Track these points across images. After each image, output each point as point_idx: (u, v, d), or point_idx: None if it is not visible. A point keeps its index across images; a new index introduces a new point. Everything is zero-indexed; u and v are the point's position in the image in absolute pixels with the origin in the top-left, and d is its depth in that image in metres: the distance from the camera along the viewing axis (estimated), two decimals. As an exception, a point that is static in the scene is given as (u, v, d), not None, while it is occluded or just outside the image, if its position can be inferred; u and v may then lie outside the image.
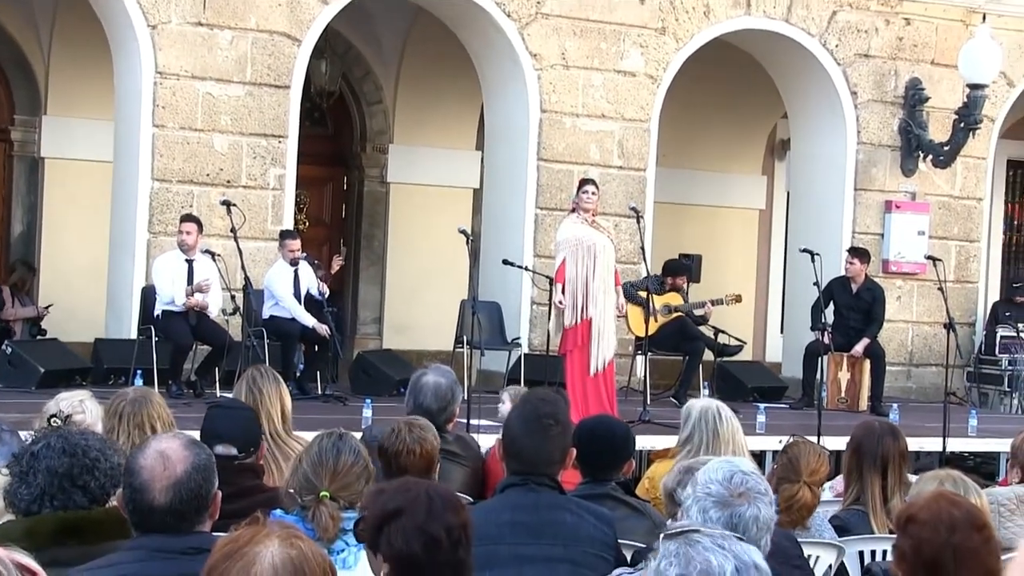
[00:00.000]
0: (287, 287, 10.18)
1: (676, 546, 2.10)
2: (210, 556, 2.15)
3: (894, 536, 4.18)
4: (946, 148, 12.78)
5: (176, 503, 2.75)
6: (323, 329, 10.03)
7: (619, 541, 3.70)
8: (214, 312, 9.83)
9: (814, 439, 7.85)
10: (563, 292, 9.07)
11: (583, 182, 9.44)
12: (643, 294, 10.28)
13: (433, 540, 2.64)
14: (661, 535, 2.14)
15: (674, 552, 2.09)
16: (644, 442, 8.13)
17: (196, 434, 3.98)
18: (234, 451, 3.91)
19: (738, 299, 11.63)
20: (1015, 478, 4.84)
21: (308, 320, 10.04)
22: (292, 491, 3.50)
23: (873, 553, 4.47)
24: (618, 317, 9.45)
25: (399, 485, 2.92)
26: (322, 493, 3.38)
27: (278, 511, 3.52)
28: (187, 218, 9.92)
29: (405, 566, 2.68)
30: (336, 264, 11.96)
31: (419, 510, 2.69)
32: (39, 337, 11.65)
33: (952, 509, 2.93)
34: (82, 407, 4.22)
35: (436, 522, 2.65)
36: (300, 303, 10.33)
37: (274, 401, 4.77)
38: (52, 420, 3.78)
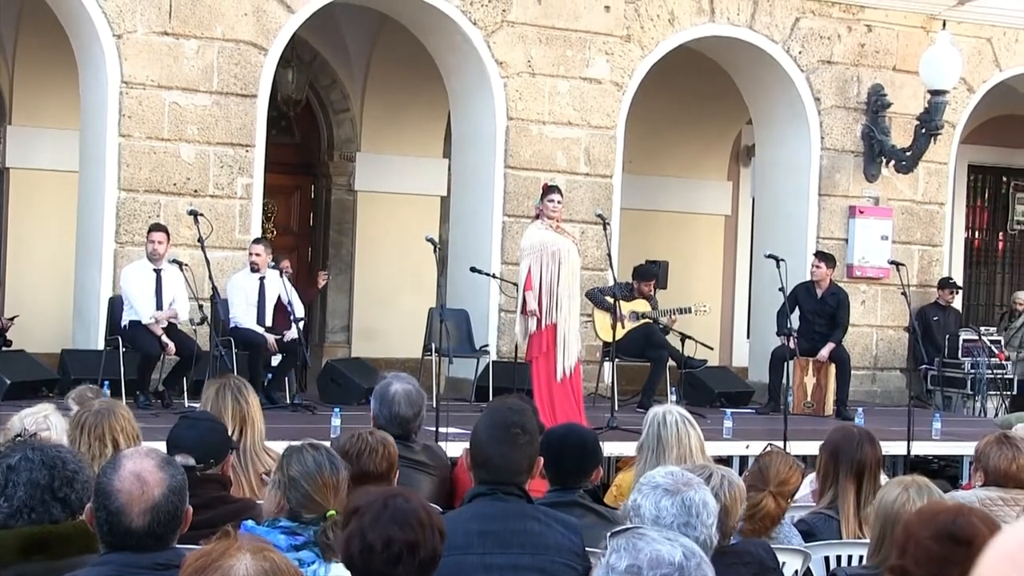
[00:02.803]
0: (244, 297, 10.20)
1: (624, 540, 2.15)
2: (181, 571, 2.17)
3: (862, 542, 4.24)
4: (908, 153, 12.91)
5: (154, 526, 2.75)
6: (271, 341, 10.05)
7: (587, 549, 3.73)
8: (183, 319, 9.83)
9: (780, 443, 7.93)
10: (536, 300, 9.11)
11: (549, 189, 9.45)
12: (611, 300, 10.33)
13: (368, 547, 2.64)
14: (608, 534, 2.18)
15: (623, 545, 2.13)
16: (612, 449, 8.18)
17: (163, 445, 4.00)
18: (191, 461, 3.92)
19: (707, 310, 11.71)
20: (978, 481, 4.91)
21: (258, 330, 10.09)
22: (290, 507, 3.47)
23: (839, 558, 4.52)
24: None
25: (375, 490, 2.94)
26: (329, 513, 3.37)
27: (249, 522, 3.53)
28: (157, 228, 9.91)
29: (347, 565, 2.72)
30: (321, 280, 12.02)
31: (368, 515, 2.70)
32: (5, 348, 11.56)
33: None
34: (47, 423, 4.21)
35: (376, 531, 2.66)
36: (265, 311, 10.34)
37: (256, 413, 4.81)
38: (18, 439, 3.78)
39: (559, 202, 9.29)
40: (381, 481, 4.09)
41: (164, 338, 9.61)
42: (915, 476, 4.14)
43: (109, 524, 2.76)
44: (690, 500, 2.96)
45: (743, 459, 8.78)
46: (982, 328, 13.34)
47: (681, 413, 4.89)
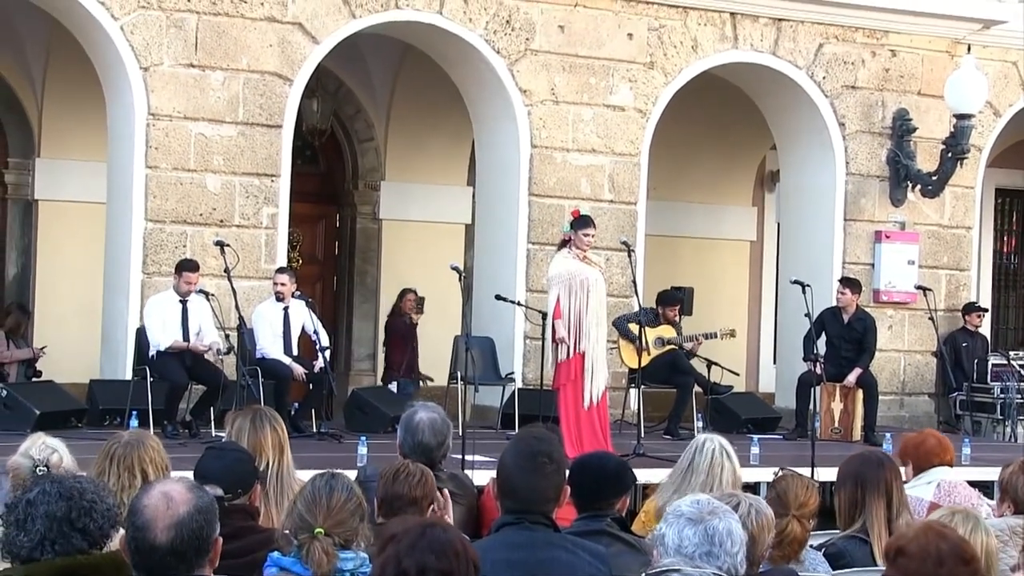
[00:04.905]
0: (270, 327, 10.24)
1: None
2: None
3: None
4: (934, 178, 12.87)
5: (177, 543, 2.77)
6: (299, 371, 10.10)
7: (614, 577, 3.72)
8: (221, 347, 9.83)
9: (808, 470, 7.89)
10: (566, 328, 9.13)
11: (584, 222, 9.36)
12: (634, 327, 10.32)
13: (402, 573, 2.65)
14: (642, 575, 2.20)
15: None
16: (639, 476, 8.10)
17: (191, 474, 4.02)
18: (219, 492, 3.94)
19: (732, 334, 11.68)
20: (1007, 510, 4.86)
21: (285, 360, 10.13)
22: (287, 532, 3.53)
23: (867, 585, 4.49)
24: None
25: (413, 519, 2.94)
26: (316, 530, 3.41)
27: (275, 553, 3.54)
28: (191, 267, 9.92)
29: None
30: (416, 317, 12.62)
31: (405, 541, 2.70)
32: (34, 379, 11.65)
33: (940, 542, 2.95)
34: (48, 447, 4.25)
35: (412, 558, 2.66)
36: (292, 341, 10.38)
37: (286, 441, 4.83)
38: (38, 470, 3.82)
39: (592, 236, 9.31)
40: (412, 506, 4.10)
41: (199, 344, 9.65)
42: (967, 507, 4.12)
43: (136, 541, 2.79)
44: (713, 529, 2.95)
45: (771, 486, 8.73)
46: (1011, 352, 13.25)
47: (722, 444, 4.88)
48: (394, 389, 11.99)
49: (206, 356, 9.76)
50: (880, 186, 13.10)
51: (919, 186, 12.98)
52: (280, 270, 10.57)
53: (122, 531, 2.93)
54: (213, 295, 9.79)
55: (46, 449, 4.23)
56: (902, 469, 5.35)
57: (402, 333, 12.82)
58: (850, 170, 13.00)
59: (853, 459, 4.77)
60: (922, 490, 5.34)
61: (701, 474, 4.77)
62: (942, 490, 5.34)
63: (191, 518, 2.79)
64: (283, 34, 10.99)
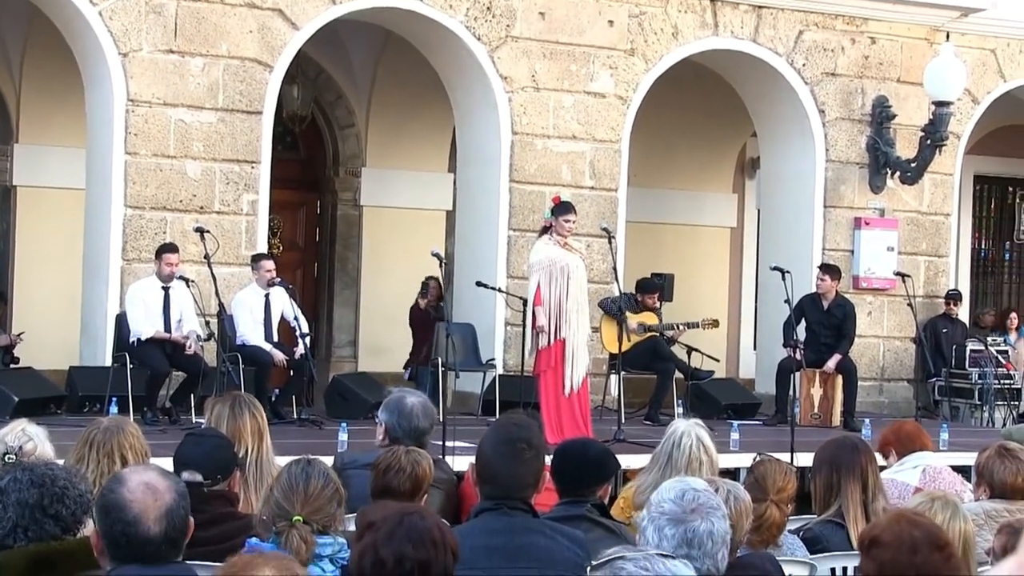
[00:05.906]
0: (250, 313, 10.22)
1: (601, 574, 2.17)
2: None
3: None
4: (913, 165, 12.92)
5: (170, 531, 2.80)
6: (279, 358, 10.09)
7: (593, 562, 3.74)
8: (201, 334, 9.81)
9: (787, 455, 7.93)
10: (546, 316, 9.14)
11: (564, 208, 9.39)
12: (619, 312, 10.35)
13: (379, 562, 2.65)
14: (588, 568, 2.22)
15: None
16: (619, 461, 8.16)
17: (171, 461, 4.02)
18: (199, 478, 3.94)
19: (715, 324, 11.72)
20: (983, 495, 4.91)
21: (265, 347, 10.12)
22: (265, 519, 3.54)
23: (845, 569, 4.52)
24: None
25: (393, 505, 2.95)
26: (295, 518, 3.42)
27: (253, 539, 3.55)
28: (172, 249, 9.90)
29: None
30: (422, 302, 12.52)
31: (382, 531, 2.71)
32: (12, 366, 11.60)
33: (913, 530, 2.96)
34: (26, 435, 4.24)
35: (389, 547, 2.66)
36: (272, 327, 10.37)
37: (265, 427, 4.84)
38: (7, 457, 3.81)
39: (574, 222, 9.32)
40: (403, 500, 4.11)
41: (178, 337, 9.64)
42: (946, 491, 4.16)
43: (126, 536, 2.78)
44: (693, 531, 2.92)
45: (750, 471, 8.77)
46: (988, 338, 13.34)
47: (699, 437, 4.88)
48: (407, 376, 12.11)
49: (186, 350, 9.72)
50: (860, 173, 13.15)
51: (898, 173, 13.03)
52: (267, 257, 10.55)
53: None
54: (193, 282, 9.77)
55: (22, 436, 4.22)
56: (887, 459, 5.41)
57: (416, 320, 12.77)
58: (830, 157, 13.04)
59: (828, 444, 4.80)
60: (907, 475, 5.38)
61: (680, 471, 4.80)
62: (927, 475, 5.39)
63: (177, 505, 2.82)
64: (263, 20, 10.95)
